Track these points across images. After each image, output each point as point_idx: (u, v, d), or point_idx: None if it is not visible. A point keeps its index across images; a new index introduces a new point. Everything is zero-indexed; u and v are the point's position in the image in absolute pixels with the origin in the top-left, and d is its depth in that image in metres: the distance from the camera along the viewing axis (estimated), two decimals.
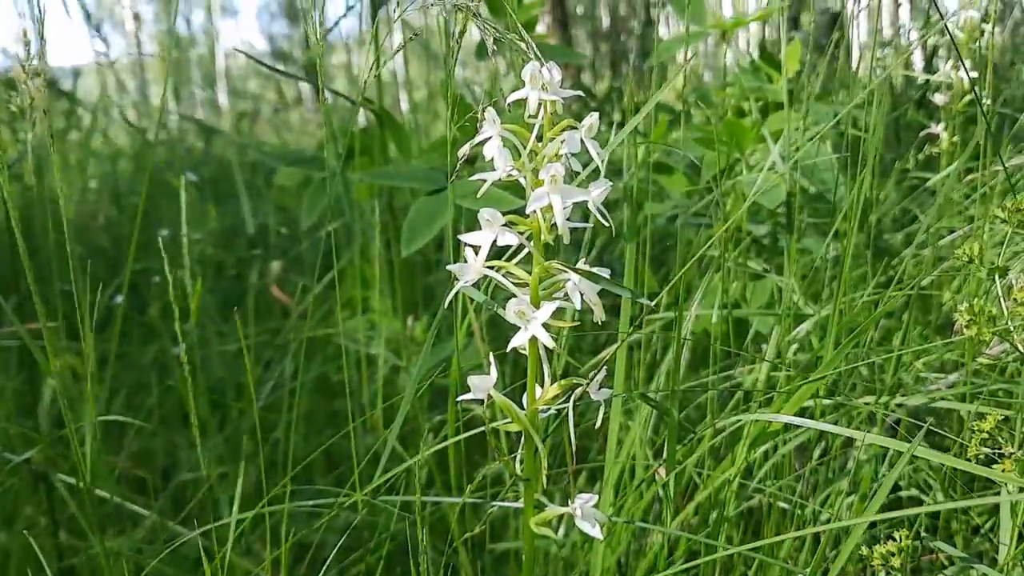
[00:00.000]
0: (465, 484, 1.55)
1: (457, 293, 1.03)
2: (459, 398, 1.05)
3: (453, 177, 1.09)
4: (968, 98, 2.47)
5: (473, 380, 1.00)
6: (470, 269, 0.97)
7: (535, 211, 0.93)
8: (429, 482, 2.05)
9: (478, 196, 0.98)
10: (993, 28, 2.40)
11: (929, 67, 3.31)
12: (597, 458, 2.01)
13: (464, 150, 0.97)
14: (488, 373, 1.03)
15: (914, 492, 1.89)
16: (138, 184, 4.43)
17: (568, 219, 0.95)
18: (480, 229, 0.96)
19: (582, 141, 0.93)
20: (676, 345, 1.19)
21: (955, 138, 2.56)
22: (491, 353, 1.05)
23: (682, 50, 3.08)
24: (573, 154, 0.94)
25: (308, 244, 3.12)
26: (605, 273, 0.97)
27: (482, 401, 1.00)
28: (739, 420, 1.24)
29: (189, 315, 1.67)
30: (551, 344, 0.92)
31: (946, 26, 1.93)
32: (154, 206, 4.06)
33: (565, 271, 0.96)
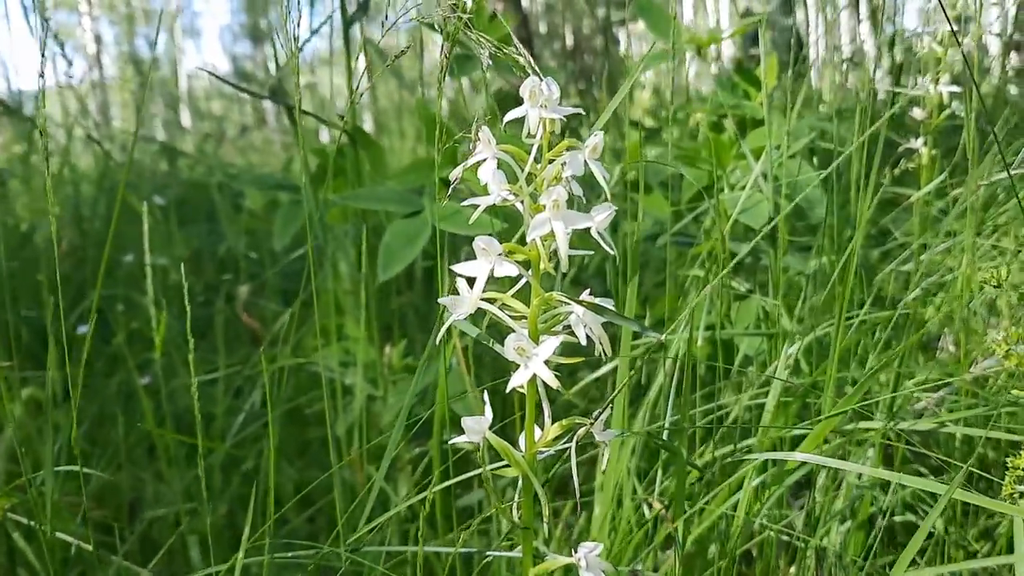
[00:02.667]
0: (450, 521, 1.46)
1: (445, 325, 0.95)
2: (451, 441, 0.97)
3: (444, 199, 1.01)
4: (948, 112, 2.45)
5: (467, 423, 0.93)
6: (464, 302, 0.90)
7: (535, 239, 0.86)
8: (411, 516, 1.97)
9: (470, 223, 0.91)
10: (959, 41, 2.38)
11: (897, 82, 3.30)
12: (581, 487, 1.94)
13: (457, 172, 0.90)
14: (483, 413, 0.95)
15: (909, 517, 1.84)
16: (101, 208, 4.30)
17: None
18: (472, 258, 0.89)
19: (585, 163, 0.85)
20: (686, 376, 1.12)
21: (934, 151, 2.53)
22: (484, 391, 0.97)
23: (652, 67, 3.04)
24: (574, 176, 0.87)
25: (278, 268, 3.03)
26: (608, 303, 0.90)
27: (476, 444, 0.93)
28: (752, 457, 1.17)
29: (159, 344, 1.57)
30: (554, 383, 0.85)
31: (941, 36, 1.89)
32: (117, 230, 3.93)
33: (568, 303, 0.89)
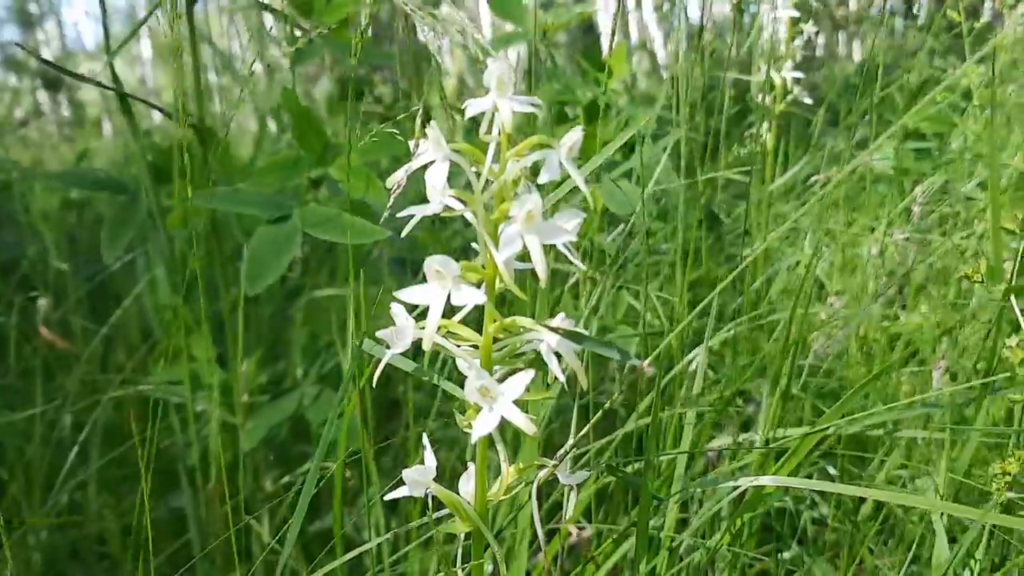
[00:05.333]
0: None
1: (362, 352, 0.80)
2: (387, 496, 0.82)
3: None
4: (791, 98, 2.49)
5: (409, 474, 0.78)
6: (406, 334, 0.74)
7: (505, 257, 0.71)
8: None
9: (402, 235, 0.76)
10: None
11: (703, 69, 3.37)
12: None
13: (399, 176, 0.74)
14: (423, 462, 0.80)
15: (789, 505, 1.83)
16: None
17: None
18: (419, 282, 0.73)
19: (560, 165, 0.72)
20: (656, 402, 1.01)
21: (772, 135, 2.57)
22: (423, 434, 0.82)
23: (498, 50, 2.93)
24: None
25: (94, 279, 2.70)
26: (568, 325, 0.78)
27: (424, 496, 0.78)
28: (728, 484, 1.08)
29: None
30: (531, 428, 0.71)
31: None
32: None
33: (535, 329, 0.75)
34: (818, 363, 2.13)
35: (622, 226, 1.96)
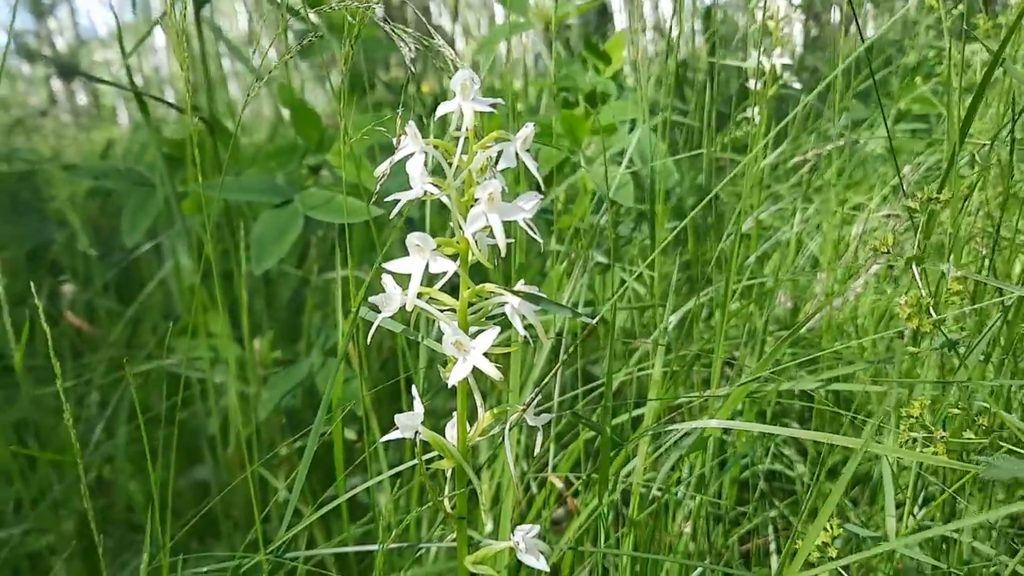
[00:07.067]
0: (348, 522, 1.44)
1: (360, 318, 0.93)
2: (383, 439, 0.96)
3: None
4: (780, 83, 2.59)
5: (400, 419, 0.92)
6: (394, 300, 0.88)
7: (472, 233, 0.85)
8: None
9: (391, 217, 0.89)
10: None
11: (712, 53, 3.46)
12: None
13: (383, 168, 0.88)
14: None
15: (777, 467, 1.95)
16: None
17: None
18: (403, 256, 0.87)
19: (516, 155, 0.85)
20: (609, 356, 1.14)
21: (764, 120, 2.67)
22: (412, 384, 0.96)
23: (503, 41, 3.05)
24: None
25: (118, 265, 2.85)
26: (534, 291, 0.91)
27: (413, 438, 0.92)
28: (676, 428, 1.21)
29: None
30: (498, 376, 0.85)
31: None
32: None
33: (501, 293, 0.89)
34: (809, 336, 2.25)
35: (602, 205, 2.08)
